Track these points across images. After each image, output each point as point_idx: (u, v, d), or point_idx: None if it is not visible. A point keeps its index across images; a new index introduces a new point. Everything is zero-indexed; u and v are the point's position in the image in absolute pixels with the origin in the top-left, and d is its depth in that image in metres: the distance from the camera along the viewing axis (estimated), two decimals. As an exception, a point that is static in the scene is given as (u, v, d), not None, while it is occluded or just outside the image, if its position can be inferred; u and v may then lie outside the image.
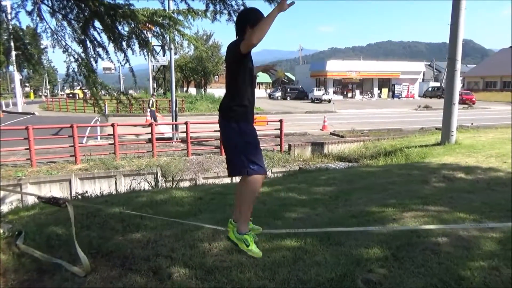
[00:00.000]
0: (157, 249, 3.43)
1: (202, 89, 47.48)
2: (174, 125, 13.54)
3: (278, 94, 50.87)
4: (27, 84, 78.32)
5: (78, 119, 23.96)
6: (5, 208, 7.51)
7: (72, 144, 9.86)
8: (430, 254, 3.23)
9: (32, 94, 65.59)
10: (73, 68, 4.15)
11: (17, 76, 33.37)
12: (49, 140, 11.16)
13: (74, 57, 4.16)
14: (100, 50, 4.94)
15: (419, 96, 52.82)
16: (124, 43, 5.25)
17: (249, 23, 2.62)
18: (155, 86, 43.14)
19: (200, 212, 4.56)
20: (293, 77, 76.45)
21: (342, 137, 15.02)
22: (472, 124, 18.30)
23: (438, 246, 3.39)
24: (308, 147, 12.56)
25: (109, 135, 11.23)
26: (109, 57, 5.06)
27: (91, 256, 3.15)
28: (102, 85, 4.39)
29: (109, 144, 10.97)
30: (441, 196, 5.10)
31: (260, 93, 62.79)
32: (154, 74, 43.44)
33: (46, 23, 4.16)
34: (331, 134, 16.20)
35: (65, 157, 10.11)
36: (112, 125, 10.43)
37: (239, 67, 2.62)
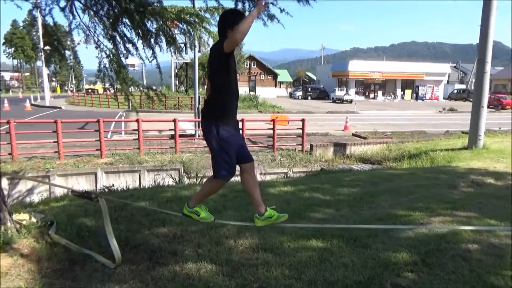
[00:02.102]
0: (184, 244, 3.47)
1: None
2: (197, 122, 13.65)
3: (299, 93, 50.64)
4: (54, 79, 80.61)
5: (103, 113, 24.49)
6: (35, 198, 7.77)
7: (98, 139, 10.08)
8: (460, 260, 3.15)
9: (58, 88, 67.47)
10: (105, 64, 4.24)
11: (45, 71, 34.41)
12: (76, 133, 11.47)
13: (105, 53, 4.25)
14: (129, 46, 5.03)
15: (443, 98, 51.55)
16: (152, 40, 5.33)
17: (228, 25, 2.74)
18: (177, 83, 43.68)
19: (225, 209, 4.59)
20: (313, 77, 75.94)
21: (365, 138, 14.81)
22: (500, 128, 17.75)
23: (468, 253, 3.30)
24: (330, 148, 12.45)
25: (133, 130, 11.44)
26: (138, 53, 5.16)
27: (120, 249, 3.21)
28: (133, 81, 4.48)
29: (134, 139, 11.16)
30: (470, 201, 4.97)
31: (280, 92, 62.66)
32: (176, 71, 43.98)
33: (80, 19, 4.26)
34: (353, 135, 16.00)
35: (91, 151, 10.36)
36: (137, 120, 10.61)
37: (224, 67, 2.77)
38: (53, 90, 63.01)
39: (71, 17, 4.94)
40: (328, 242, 3.50)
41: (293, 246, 3.45)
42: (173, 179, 7.32)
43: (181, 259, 3.16)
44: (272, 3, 3.95)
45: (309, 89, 50.41)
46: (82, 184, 9.08)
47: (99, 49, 4.21)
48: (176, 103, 30.75)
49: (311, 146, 12.25)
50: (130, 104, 27.24)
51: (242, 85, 48.94)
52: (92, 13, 5.05)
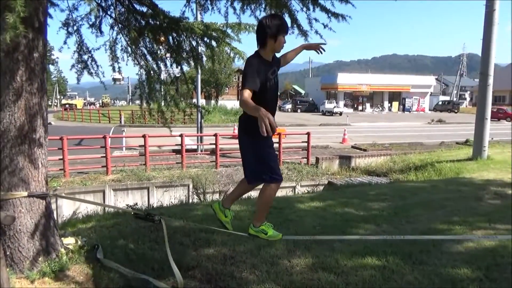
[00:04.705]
0: (238, 265, 3.36)
1: (214, 101, 47.74)
2: (199, 137, 13.53)
3: (288, 106, 50.99)
4: (37, 94, 79.18)
5: (95, 129, 24.06)
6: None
7: (104, 155, 9.85)
8: (523, 275, 3.13)
9: (43, 104, 66.35)
10: (143, 81, 4.15)
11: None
12: (78, 150, 11.20)
13: (145, 69, 4.16)
14: (160, 63, 4.96)
15: (429, 109, 52.71)
16: (180, 56, 5.27)
17: (269, 34, 2.72)
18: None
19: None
20: (299, 89, 76.67)
21: (365, 150, 14.93)
22: (492, 139, 18.13)
23: (528, 266, 3.29)
24: (336, 160, 12.48)
25: (140, 146, 11.21)
26: (167, 70, 5.10)
27: (175, 272, 3.08)
28: (174, 98, 4.39)
29: (141, 155, 10.96)
30: (503, 213, 5.00)
31: (269, 105, 62.85)
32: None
33: (122, 36, 4.17)
34: (353, 147, 16.12)
35: (96, 167, 10.10)
36: (144, 136, 10.44)
37: None
38: (38, 105, 61.90)
39: (99, 34, 4.87)
40: (383, 260, 3.44)
41: (350, 264, 3.38)
42: (197, 197, 7.18)
43: (242, 282, 3.05)
44: (315, 19, 3.95)
45: (298, 102, 50.84)
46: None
47: (139, 66, 4.12)
48: (168, 117, 30.47)
49: (317, 159, 12.25)
50: (121, 119, 26.79)
51: (232, 98, 48.99)
52: (120, 27, 4.96)
